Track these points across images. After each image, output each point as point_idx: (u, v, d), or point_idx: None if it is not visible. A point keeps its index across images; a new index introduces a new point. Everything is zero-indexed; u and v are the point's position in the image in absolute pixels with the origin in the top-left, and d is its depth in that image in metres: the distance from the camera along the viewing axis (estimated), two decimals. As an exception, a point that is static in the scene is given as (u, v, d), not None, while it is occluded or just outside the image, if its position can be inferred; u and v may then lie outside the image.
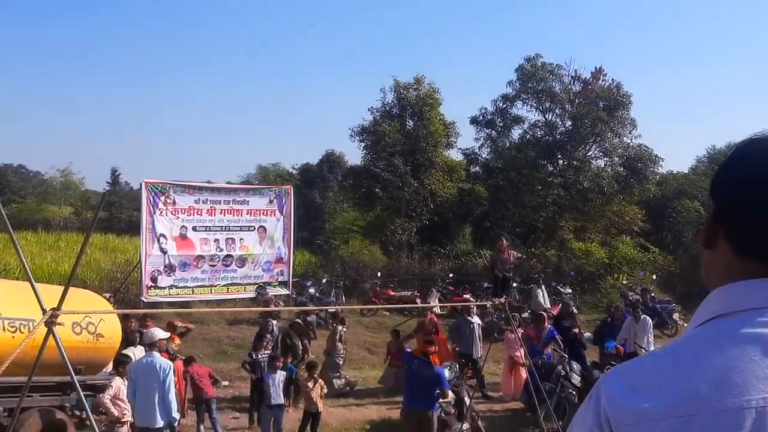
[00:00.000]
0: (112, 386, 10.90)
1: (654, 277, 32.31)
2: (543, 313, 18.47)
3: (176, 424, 10.87)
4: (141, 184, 21.86)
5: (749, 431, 1.18)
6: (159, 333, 11.49)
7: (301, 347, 16.80)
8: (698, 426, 1.19)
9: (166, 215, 21.34)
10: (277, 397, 13.44)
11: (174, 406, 10.61)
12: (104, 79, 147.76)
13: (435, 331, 17.16)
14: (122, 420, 10.84)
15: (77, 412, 11.71)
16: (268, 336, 16.16)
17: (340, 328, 17.86)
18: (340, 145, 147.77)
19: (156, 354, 10.83)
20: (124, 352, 12.48)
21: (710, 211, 1.43)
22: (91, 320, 11.85)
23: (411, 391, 11.88)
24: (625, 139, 39.59)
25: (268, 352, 15.32)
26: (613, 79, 40.16)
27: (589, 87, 40.08)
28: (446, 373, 14.26)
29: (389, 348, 18.04)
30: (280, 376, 13.74)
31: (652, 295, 26.42)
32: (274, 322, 16.71)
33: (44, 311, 6.63)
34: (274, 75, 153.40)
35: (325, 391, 14.21)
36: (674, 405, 1.22)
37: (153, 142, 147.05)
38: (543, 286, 25.28)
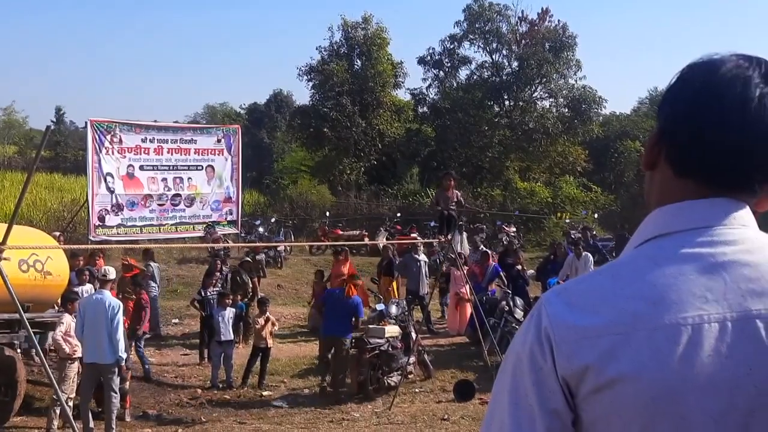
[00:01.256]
0: (63, 323, 10.93)
1: (596, 215, 33.00)
2: (488, 251, 18.83)
3: (123, 363, 10.93)
4: (86, 123, 21.50)
5: (684, 347, 1.22)
6: (112, 273, 11.58)
7: (251, 285, 16.97)
8: (636, 343, 1.23)
9: (113, 154, 21.07)
10: (227, 333, 13.62)
11: (122, 345, 10.62)
12: (47, 16, 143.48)
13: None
14: (73, 356, 10.91)
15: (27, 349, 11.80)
16: (217, 274, 16.31)
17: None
18: (288, 84, 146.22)
19: (106, 292, 10.87)
20: (74, 289, 12.52)
21: (653, 133, 1.44)
22: (38, 258, 11.73)
23: (330, 320, 13.23)
24: (570, 80, 40.18)
25: (217, 289, 15.47)
26: (559, 20, 40.46)
27: (536, 28, 40.27)
28: (393, 308, 14.61)
29: (314, 288, 18.10)
30: (230, 312, 13.91)
31: (594, 233, 27.01)
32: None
33: (-12, 246, 6.69)
34: (221, 12, 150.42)
35: (276, 327, 14.42)
36: (613, 323, 1.25)
37: (98, 82, 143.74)
38: (464, 234, 25.32)
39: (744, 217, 1.34)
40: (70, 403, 10.33)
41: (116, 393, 10.78)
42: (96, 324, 10.46)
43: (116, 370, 10.69)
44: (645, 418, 1.22)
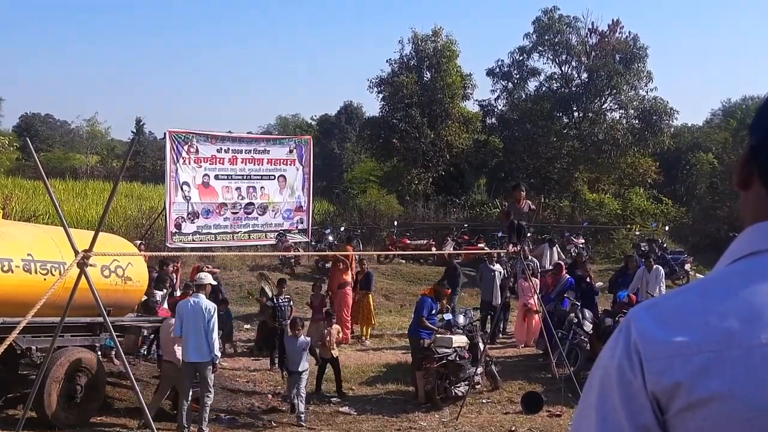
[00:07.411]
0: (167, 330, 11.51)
1: (666, 228, 32.52)
2: (561, 263, 18.69)
3: (217, 362, 11.45)
4: (165, 134, 22.10)
5: None
6: (208, 278, 12.11)
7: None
8: (731, 361, 1.18)
9: (189, 164, 21.60)
10: (300, 364, 12.46)
11: (216, 345, 11.30)
12: (128, 30, 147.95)
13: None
14: (172, 360, 11.50)
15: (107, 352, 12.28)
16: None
17: None
18: (359, 96, 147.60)
19: (202, 296, 11.45)
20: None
21: (745, 151, 1.38)
22: (119, 264, 12.15)
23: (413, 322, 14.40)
24: (640, 91, 39.62)
25: (288, 297, 15.69)
26: (630, 32, 39.97)
27: (606, 39, 39.85)
28: (460, 318, 14.69)
29: (312, 302, 16.44)
30: (302, 341, 12.60)
31: (664, 245, 26.63)
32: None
33: (76, 252, 6.95)
34: (294, 26, 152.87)
35: (341, 335, 14.58)
36: (705, 340, 1.21)
37: (175, 94, 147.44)
38: (555, 246, 23.79)
39: None
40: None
41: (212, 390, 11.42)
42: (194, 326, 11.10)
43: (212, 367, 11.30)
44: None
